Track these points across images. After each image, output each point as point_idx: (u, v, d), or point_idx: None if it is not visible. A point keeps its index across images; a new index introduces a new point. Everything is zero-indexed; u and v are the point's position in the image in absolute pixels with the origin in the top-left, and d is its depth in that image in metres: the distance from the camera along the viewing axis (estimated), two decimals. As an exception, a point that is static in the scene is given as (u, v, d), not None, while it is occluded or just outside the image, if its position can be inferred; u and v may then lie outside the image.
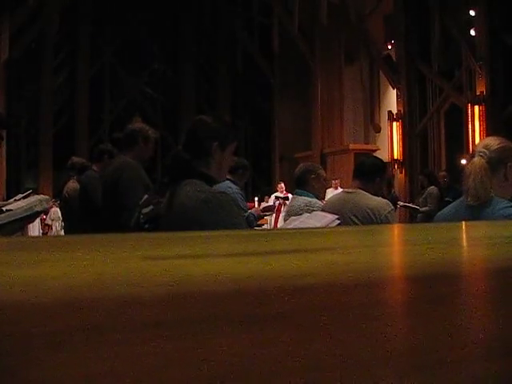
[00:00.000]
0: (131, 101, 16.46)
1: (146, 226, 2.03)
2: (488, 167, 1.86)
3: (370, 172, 2.73)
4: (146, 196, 2.14)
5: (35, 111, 15.10)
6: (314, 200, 3.19)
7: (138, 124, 3.23)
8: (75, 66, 15.87)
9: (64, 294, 0.35)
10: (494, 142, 1.93)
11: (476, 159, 1.89)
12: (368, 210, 2.58)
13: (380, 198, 2.73)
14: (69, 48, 15.89)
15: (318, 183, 3.31)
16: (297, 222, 2.71)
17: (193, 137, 1.94)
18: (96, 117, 15.90)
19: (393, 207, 2.71)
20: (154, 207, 2.04)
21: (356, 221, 2.60)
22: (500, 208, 1.82)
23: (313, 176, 3.28)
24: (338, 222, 2.62)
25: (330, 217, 2.69)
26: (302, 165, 3.56)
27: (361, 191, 2.67)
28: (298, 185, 3.36)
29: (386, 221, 2.55)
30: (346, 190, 2.83)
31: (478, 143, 2.01)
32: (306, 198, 3.21)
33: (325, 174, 3.50)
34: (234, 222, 1.80)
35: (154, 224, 2.01)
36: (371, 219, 2.56)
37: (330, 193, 7.35)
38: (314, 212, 2.91)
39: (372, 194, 2.68)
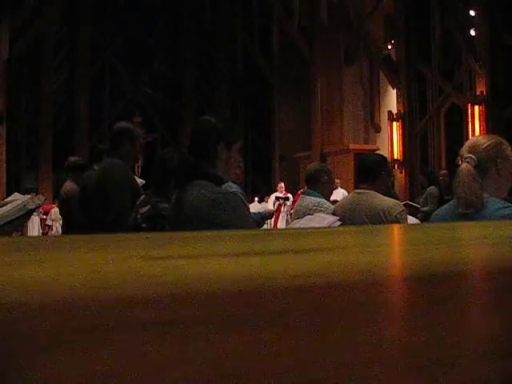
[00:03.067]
0: (131, 101, 16.46)
1: (144, 225, 2.03)
2: (476, 172, 1.83)
3: (374, 169, 2.71)
4: (143, 196, 2.15)
5: (35, 111, 15.10)
6: (323, 200, 3.19)
7: (123, 123, 3.19)
8: (75, 65, 15.87)
9: (64, 294, 0.35)
10: (479, 142, 1.89)
11: (463, 166, 1.86)
12: (379, 211, 2.56)
13: (391, 198, 2.71)
14: (69, 48, 15.89)
15: (328, 184, 3.33)
16: (298, 225, 2.71)
17: (198, 138, 1.94)
18: (96, 117, 15.90)
19: (404, 208, 2.69)
20: (151, 207, 2.04)
21: (367, 221, 2.58)
22: (496, 209, 1.81)
23: (325, 177, 3.30)
24: (340, 223, 2.61)
25: (331, 219, 2.68)
26: (313, 164, 3.58)
27: (372, 192, 2.64)
28: (308, 184, 3.36)
29: (396, 221, 2.53)
30: (357, 190, 2.79)
31: (464, 145, 1.97)
32: (315, 198, 3.21)
33: (334, 177, 3.53)
34: (244, 222, 1.80)
35: (152, 223, 2.01)
36: (382, 220, 2.54)
37: (334, 193, 7.35)
38: (315, 214, 2.91)
39: (382, 191, 2.66)
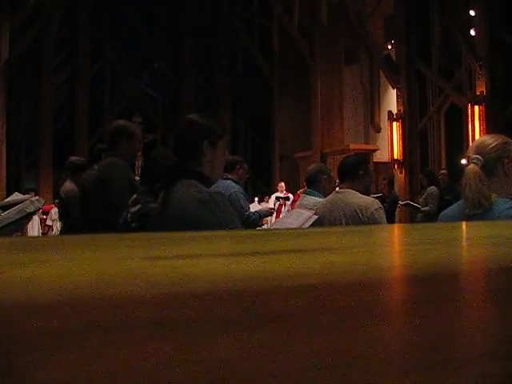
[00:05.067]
0: (131, 101, 16.46)
1: (133, 224, 2.03)
2: (483, 173, 1.82)
3: (351, 169, 2.79)
4: (134, 195, 2.15)
5: (35, 111, 15.10)
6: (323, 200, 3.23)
7: (118, 122, 3.15)
8: (75, 65, 15.87)
9: (64, 294, 0.35)
10: (486, 142, 1.89)
11: (470, 167, 1.86)
12: (356, 208, 2.62)
13: (368, 196, 2.77)
14: (69, 48, 15.89)
15: (329, 184, 3.40)
16: (277, 224, 2.76)
17: (183, 138, 1.94)
18: (96, 117, 15.90)
19: (381, 205, 2.75)
20: (141, 206, 2.04)
21: (345, 219, 2.63)
22: (504, 209, 1.80)
23: (325, 177, 3.37)
24: (316, 217, 2.66)
25: (308, 213, 2.75)
26: (314, 165, 3.68)
27: (350, 190, 2.71)
28: (308, 184, 3.41)
29: (372, 218, 2.57)
30: (336, 190, 2.90)
31: (471, 146, 1.97)
32: (315, 197, 3.25)
33: (335, 177, 3.58)
34: (230, 222, 1.81)
35: (141, 223, 2.01)
36: (358, 217, 2.59)
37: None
38: (293, 210, 2.96)
39: (361, 190, 2.73)
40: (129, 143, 3.02)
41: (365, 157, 3.07)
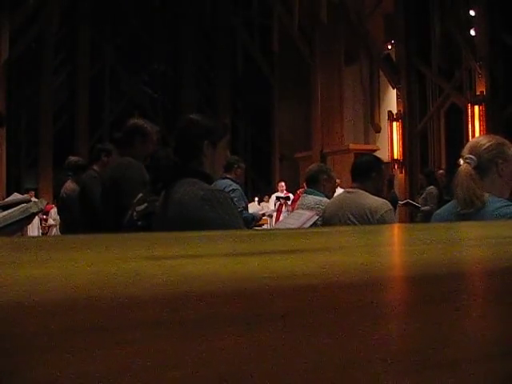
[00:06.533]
0: (131, 101, 16.45)
1: (139, 223, 2.03)
2: (476, 173, 1.82)
3: (365, 169, 2.75)
4: (140, 194, 2.15)
5: (35, 111, 15.10)
6: (325, 199, 3.23)
7: (134, 121, 3.09)
8: (75, 66, 15.87)
9: (64, 293, 0.35)
10: (481, 142, 1.89)
11: (463, 167, 1.86)
12: (366, 209, 2.59)
13: (379, 198, 2.74)
14: (69, 48, 15.89)
15: (328, 184, 3.40)
16: (279, 225, 2.76)
17: (183, 138, 1.95)
18: (96, 117, 15.90)
19: (391, 207, 2.71)
20: (147, 205, 2.05)
21: (353, 220, 2.61)
22: (496, 208, 1.81)
23: (325, 176, 3.37)
24: (317, 217, 2.65)
25: (308, 213, 2.74)
26: (314, 164, 3.71)
27: (361, 191, 2.68)
28: (308, 183, 3.42)
29: (381, 220, 2.55)
30: (347, 190, 2.86)
31: (466, 146, 1.97)
32: (316, 196, 3.26)
33: (335, 177, 3.60)
34: (233, 220, 1.81)
35: (147, 221, 2.01)
36: (368, 218, 2.56)
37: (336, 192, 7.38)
38: (294, 211, 2.96)
39: (372, 191, 2.69)
40: (142, 144, 2.95)
41: (379, 158, 3.02)
